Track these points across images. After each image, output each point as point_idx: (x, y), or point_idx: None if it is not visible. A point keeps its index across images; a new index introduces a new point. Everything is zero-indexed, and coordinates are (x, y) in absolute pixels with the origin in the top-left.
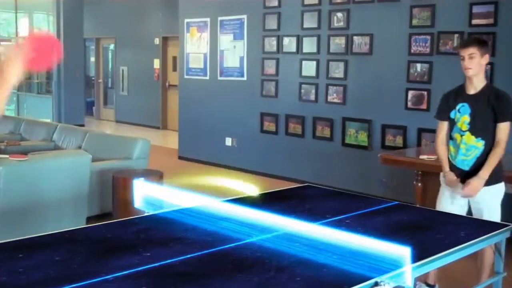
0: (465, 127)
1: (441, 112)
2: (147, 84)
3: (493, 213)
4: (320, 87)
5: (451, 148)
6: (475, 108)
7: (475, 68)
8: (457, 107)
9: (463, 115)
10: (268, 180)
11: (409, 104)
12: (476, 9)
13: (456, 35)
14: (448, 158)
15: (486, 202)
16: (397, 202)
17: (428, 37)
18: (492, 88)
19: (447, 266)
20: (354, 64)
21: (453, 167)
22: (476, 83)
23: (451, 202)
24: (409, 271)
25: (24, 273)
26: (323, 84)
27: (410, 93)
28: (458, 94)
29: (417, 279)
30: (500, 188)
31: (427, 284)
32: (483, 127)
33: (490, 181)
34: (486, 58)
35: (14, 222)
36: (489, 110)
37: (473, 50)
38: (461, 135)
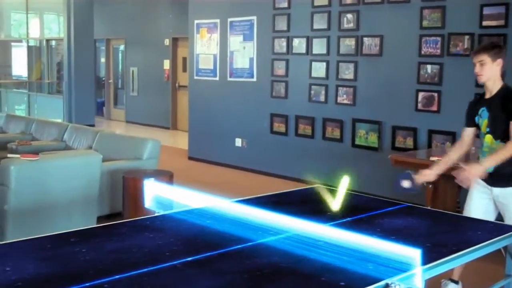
0: (485, 130)
1: (466, 119)
2: (157, 85)
3: None
4: (330, 88)
5: (481, 153)
6: (492, 111)
7: (486, 74)
8: (479, 112)
9: (483, 120)
10: (278, 181)
11: (420, 106)
12: (486, 11)
13: (466, 37)
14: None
15: (509, 202)
16: (407, 204)
17: (439, 38)
18: (505, 89)
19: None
20: (364, 65)
21: None
22: (491, 87)
23: (478, 203)
24: (419, 273)
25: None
26: (333, 85)
27: (421, 95)
28: (480, 99)
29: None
30: None
31: (452, 281)
32: (501, 130)
33: (510, 182)
34: (499, 63)
35: (25, 221)
36: (503, 111)
37: (483, 57)
38: (484, 139)
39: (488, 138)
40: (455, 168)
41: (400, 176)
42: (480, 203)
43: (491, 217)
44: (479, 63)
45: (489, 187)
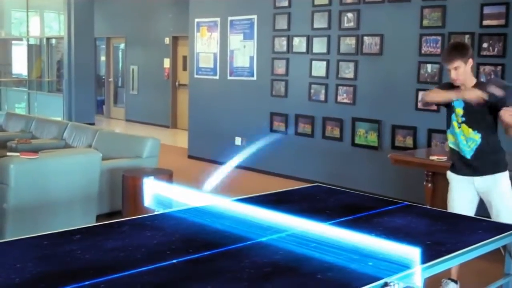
0: (460, 119)
1: (441, 86)
2: (157, 83)
3: (504, 200)
4: (330, 87)
5: (450, 136)
6: (467, 103)
7: (461, 78)
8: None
9: (457, 107)
10: (277, 180)
11: (419, 105)
12: (487, 10)
13: (467, 36)
14: (451, 147)
15: (497, 189)
16: (407, 203)
17: (439, 37)
18: (481, 83)
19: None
20: (364, 64)
21: (455, 153)
22: (467, 85)
23: (459, 197)
24: (418, 272)
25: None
26: (333, 84)
27: (421, 94)
28: (453, 86)
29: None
30: (505, 176)
31: (452, 280)
32: (477, 120)
33: (493, 170)
34: (471, 62)
35: (25, 219)
36: (481, 106)
37: (457, 63)
38: (458, 126)
39: (464, 127)
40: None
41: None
42: (462, 195)
43: (473, 207)
44: (453, 69)
45: (470, 178)
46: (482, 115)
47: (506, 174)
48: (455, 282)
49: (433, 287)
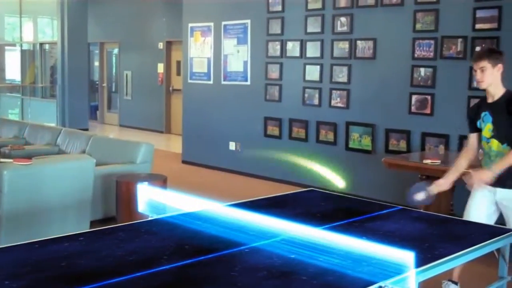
0: (489, 134)
1: (468, 124)
2: (151, 89)
3: None
4: (323, 92)
5: (484, 156)
6: (496, 115)
7: (487, 81)
8: (481, 116)
9: (486, 124)
10: (271, 184)
11: (413, 109)
12: (480, 14)
13: (459, 40)
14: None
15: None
16: (401, 207)
17: (432, 41)
18: (510, 93)
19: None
20: (358, 68)
21: (484, 164)
22: (493, 92)
23: (478, 205)
24: (412, 276)
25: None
26: (327, 89)
27: (414, 98)
28: (481, 103)
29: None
30: None
31: (452, 282)
32: (506, 134)
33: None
34: (500, 68)
35: (19, 225)
36: (508, 115)
37: (483, 63)
38: (487, 143)
39: (494, 143)
40: (465, 174)
41: (414, 189)
42: (482, 204)
43: (492, 218)
44: (479, 70)
45: (493, 189)
46: (510, 128)
47: None
48: (456, 283)
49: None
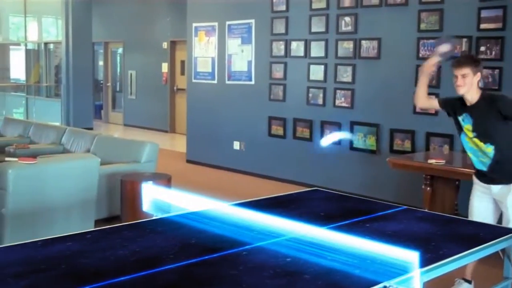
0: (471, 134)
1: (445, 98)
2: (155, 88)
3: None
4: (328, 91)
5: (468, 153)
6: (475, 116)
7: (466, 87)
8: (462, 116)
9: (466, 124)
10: (276, 184)
11: (418, 109)
12: (484, 13)
13: (464, 39)
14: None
15: (509, 199)
16: (405, 207)
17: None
18: (487, 95)
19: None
20: (362, 68)
21: (474, 166)
22: (471, 98)
23: (479, 204)
24: (417, 276)
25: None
26: (331, 88)
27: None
28: (461, 103)
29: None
30: None
31: (465, 280)
32: (487, 133)
33: (510, 180)
34: (478, 76)
35: (23, 224)
36: (491, 115)
37: (466, 70)
38: (472, 141)
39: (476, 140)
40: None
41: (440, 41)
42: (481, 205)
43: (494, 217)
44: (461, 76)
45: (487, 185)
46: (492, 127)
47: None
48: (469, 282)
49: (445, 286)
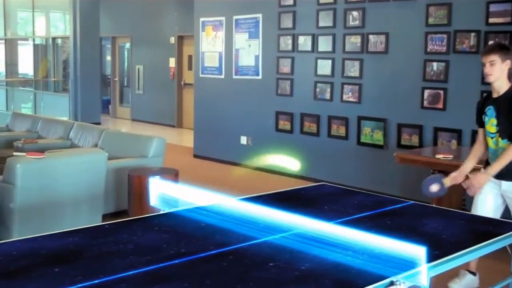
0: (493, 129)
1: (476, 120)
2: (163, 83)
3: None
4: (335, 86)
5: (489, 153)
6: (500, 110)
7: (495, 75)
8: (485, 110)
9: (490, 118)
10: (283, 179)
11: (425, 103)
12: (493, 8)
13: (472, 34)
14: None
15: None
16: (413, 202)
17: (445, 35)
18: None
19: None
20: (370, 63)
21: (489, 158)
22: (498, 88)
23: (484, 198)
24: (424, 271)
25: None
26: (339, 83)
27: (426, 92)
28: (486, 98)
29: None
30: None
31: (470, 272)
32: (507, 129)
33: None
34: (508, 64)
35: (32, 219)
36: (510, 110)
37: (493, 57)
38: (491, 138)
39: (497, 137)
40: (465, 181)
41: (428, 180)
42: (488, 198)
43: (498, 211)
44: (489, 63)
45: (497, 181)
46: (510, 124)
47: None
48: (474, 274)
49: (450, 277)
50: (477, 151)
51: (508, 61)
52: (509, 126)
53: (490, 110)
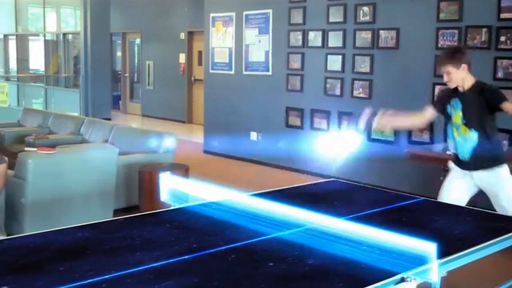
0: (459, 121)
1: (435, 102)
2: (173, 79)
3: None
4: (345, 82)
5: (450, 142)
6: (466, 102)
7: (454, 82)
8: (451, 102)
9: (456, 110)
10: (293, 174)
11: (436, 99)
12: (504, 3)
13: (484, 29)
14: (454, 152)
15: (499, 183)
16: (423, 198)
17: (456, 31)
18: (480, 83)
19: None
20: (380, 58)
21: (456, 158)
22: (463, 85)
23: (451, 185)
24: (435, 267)
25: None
26: (349, 79)
27: (437, 88)
28: (453, 91)
29: None
30: (505, 168)
31: None
32: (474, 120)
33: (492, 164)
34: (464, 68)
35: (43, 214)
36: (480, 103)
37: (448, 68)
38: (457, 129)
39: (463, 128)
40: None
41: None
42: (454, 184)
43: (463, 197)
44: (446, 73)
45: (469, 172)
46: (479, 115)
47: (504, 166)
48: None
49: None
50: (414, 119)
51: (463, 65)
52: (476, 117)
53: (456, 102)
